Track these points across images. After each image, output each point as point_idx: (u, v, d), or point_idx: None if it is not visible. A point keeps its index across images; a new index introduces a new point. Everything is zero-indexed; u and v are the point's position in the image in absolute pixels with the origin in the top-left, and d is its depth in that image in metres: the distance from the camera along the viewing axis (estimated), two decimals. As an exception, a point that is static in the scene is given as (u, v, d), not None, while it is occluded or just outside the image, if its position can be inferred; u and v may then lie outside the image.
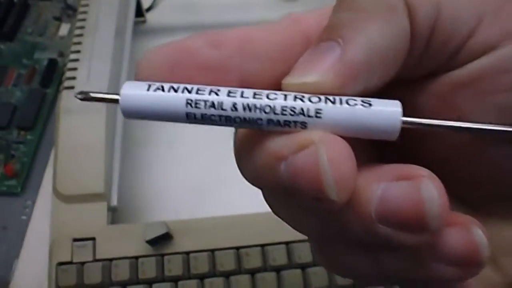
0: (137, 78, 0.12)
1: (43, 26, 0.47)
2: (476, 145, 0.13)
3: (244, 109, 0.11)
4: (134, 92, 0.11)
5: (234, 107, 0.11)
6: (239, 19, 0.46)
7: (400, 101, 0.12)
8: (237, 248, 0.31)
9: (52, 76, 0.43)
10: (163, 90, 0.11)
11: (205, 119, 0.11)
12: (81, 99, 0.12)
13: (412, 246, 0.11)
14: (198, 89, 0.11)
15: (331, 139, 0.11)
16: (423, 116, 0.12)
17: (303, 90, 0.11)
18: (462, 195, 0.14)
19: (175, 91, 0.11)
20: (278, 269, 0.31)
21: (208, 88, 0.11)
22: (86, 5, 0.39)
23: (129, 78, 0.39)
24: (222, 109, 0.11)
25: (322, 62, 0.11)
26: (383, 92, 0.12)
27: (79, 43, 0.36)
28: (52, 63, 0.43)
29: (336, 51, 0.11)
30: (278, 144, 0.11)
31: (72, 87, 0.34)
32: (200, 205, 0.36)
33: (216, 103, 0.11)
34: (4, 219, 0.36)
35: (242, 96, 0.11)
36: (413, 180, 0.11)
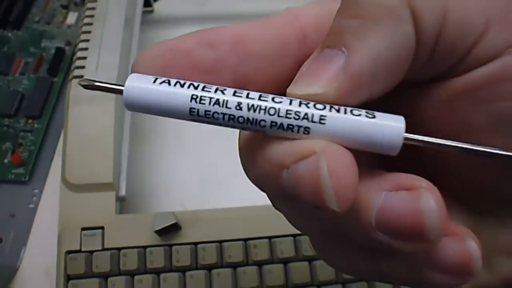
0: None
1: (51, 15, 0.46)
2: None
3: (249, 109, 0.11)
4: (139, 84, 0.11)
5: (239, 106, 0.11)
6: (247, 10, 0.46)
7: (403, 104, 0.13)
8: (245, 239, 0.31)
9: (60, 64, 0.43)
10: (169, 84, 0.11)
11: (208, 117, 0.11)
12: (84, 86, 0.12)
13: (410, 253, 0.12)
14: (204, 87, 0.11)
15: (333, 149, 0.11)
16: (426, 134, 0.12)
17: (307, 100, 0.11)
18: (461, 197, 0.14)
19: (181, 86, 0.11)
20: (285, 261, 0.31)
21: (215, 86, 0.11)
22: (95, -6, 0.39)
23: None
24: (227, 107, 0.11)
25: (326, 72, 0.11)
26: (387, 95, 0.12)
27: (88, 32, 0.36)
28: (60, 51, 0.43)
29: (340, 59, 0.11)
30: (280, 152, 0.11)
31: (81, 76, 0.34)
32: (207, 196, 0.36)
33: (221, 100, 0.11)
34: (11, 207, 0.36)
35: (247, 97, 0.11)
36: (413, 191, 0.11)
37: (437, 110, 0.13)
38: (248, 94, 0.11)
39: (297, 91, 0.12)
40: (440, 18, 0.11)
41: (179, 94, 0.11)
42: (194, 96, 0.11)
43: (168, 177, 0.37)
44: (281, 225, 0.32)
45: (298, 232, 0.32)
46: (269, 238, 0.31)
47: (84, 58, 0.35)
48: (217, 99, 0.11)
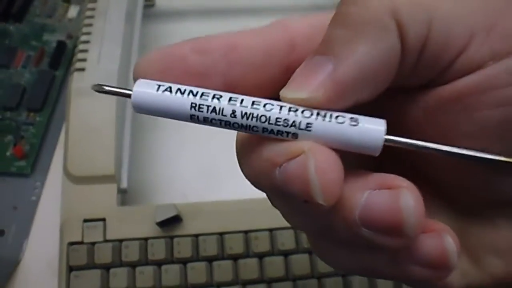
0: (134, 79, 0.13)
1: (52, 8, 0.46)
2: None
3: (242, 116, 0.12)
4: (144, 90, 0.12)
5: (233, 114, 0.12)
6: (248, 4, 0.46)
7: (394, 109, 0.14)
8: (246, 231, 0.31)
9: (61, 58, 0.43)
10: (170, 92, 0.12)
11: (207, 121, 0.12)
12: (96, 90, 0.13)
13: (391, 248, 0.12)
14: (202, 93, 0.12)
15: (319, 149, 0.12)
16: (406, 136, 0.12)
17: (297, 104, 0.12)
18: (450, 197, 0.15)
19: (182, 93, 0.12)
20: (286, 254, 0.31)
21: (212, 93, 0.12)
22: (96, -13, 0.39)
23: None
24: (223, 114, 0.12)
25: (315, 78, 0.12)
26: (379, 100, 0.13)
27: (90, 25, 0.36)
28: (61, 45, 0.43)
29: (328, 67, 0.12)
30: (273, 152, 0.12)
31: (82, 69, 0.34)
32: (208, 188, 0.36)
33: (217, 108, 0.12)
34: (14, 199, 0.37)
35: (241, 104, 0.12)
36: (393, 189, 0.12)
37: (425, 115, 0.13)
38: (242, 100, 0.12)
39: (287, 94, 0.12)
40: (425, 29, 0.12)
41: (180, 102, 0.12)
42: (193, 105, 0.12)
43: (169, 170, 0.37)
44: (282, 217, 0.33)
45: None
46: (270, 230, 0.31)
47: (86, 51, 0.35)
48: (214, 107, 0.12)
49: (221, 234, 0.31)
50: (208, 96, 0.12)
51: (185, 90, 0.12)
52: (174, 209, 0.30)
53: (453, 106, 0.13)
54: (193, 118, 0.12)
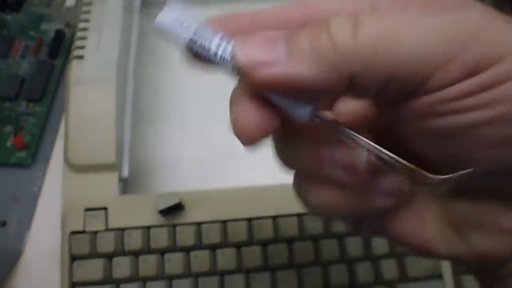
0: None
1: (49, -3, 0.46)
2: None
3: (220, 57, 0.15)
4: (167, 16, 0.15)
5: (215, 55, 0.15)
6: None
7: (389, 115, 0.15)
8: (249, 219, 0.31)
9: (60, 47, 0.42)
10: (181, 23, 0.15)
11: (200, 52, 0.15)
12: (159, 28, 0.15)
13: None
14: (201, 32, 0.15)
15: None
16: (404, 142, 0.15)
17: (241, 69, 0.14)
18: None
19: (187, 29, 0.15)
20: (289, 241, 0.31)
21: (209, 33, 0.15)
22: (94, -26, 0.38)
23: (138, 48, 0.38)
24: (209, 53, 0.15)
25: (267, 56, 0.13)
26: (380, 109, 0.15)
27: (88, 12, 0.36)
28: (59, 34, 0.43)
29: (279, 49, 0.13)
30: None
31: (81, 57, 0.34)
32: (210, 176, 0.36)
33: (206, 47, 0.15)
34: (15, 190, 0.36)
35: (223, 49, 0.14)
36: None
37: (405, 122, 0.14)
38: (226, 45, 0.14)
39: (241, 53, 0.14)
40: (384, 76, 0.13)
41: (183, 35, 0.15)
42: (191, 39, 0.15)
43: (170, 158, 0.37)
44: (285, 204, 0.32)
45: (303, 211, 0.32)
46: (273, 217, 0.31)
47: (84, 38, 0.35)
48: (204, 46, 0.15)
49: (224, 222, 0.31)
50: (202, 35, 0.15)
51: (189, 26, 0.15)
52: (176, 197, 0.30)
53: (417, 120, 0.14)
54: (190, 45, 0.15)
